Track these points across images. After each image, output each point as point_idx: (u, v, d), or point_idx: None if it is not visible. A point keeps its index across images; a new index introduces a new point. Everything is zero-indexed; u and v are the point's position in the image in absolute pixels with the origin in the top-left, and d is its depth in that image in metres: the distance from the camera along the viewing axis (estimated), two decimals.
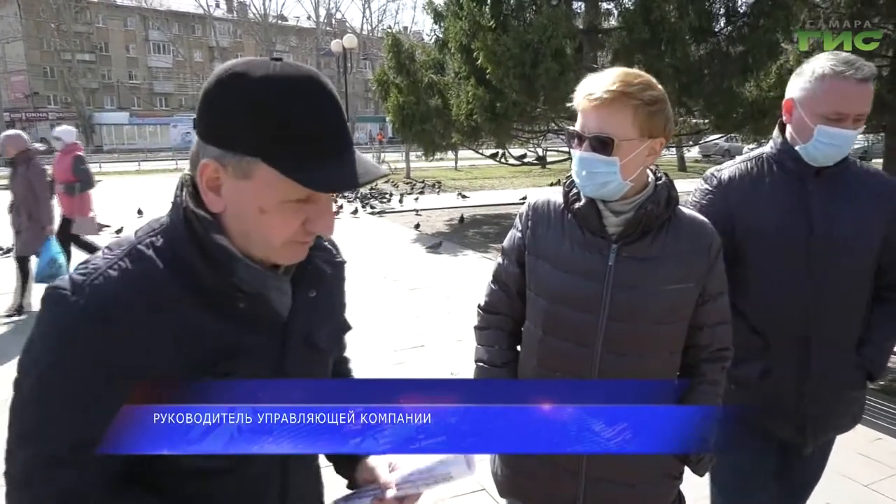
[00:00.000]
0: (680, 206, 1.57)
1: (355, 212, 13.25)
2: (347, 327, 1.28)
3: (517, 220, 1.71)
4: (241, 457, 0.94)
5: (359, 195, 16.69)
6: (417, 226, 12.26)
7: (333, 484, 1.26)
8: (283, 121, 0.86)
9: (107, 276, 0.90)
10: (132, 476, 0.96)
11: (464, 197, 16.97)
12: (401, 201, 16.19)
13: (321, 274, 1.09)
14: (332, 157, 0.89)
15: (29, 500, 0.91)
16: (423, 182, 21.58)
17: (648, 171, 1.55)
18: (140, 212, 14.01)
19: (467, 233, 12.01)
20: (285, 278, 1.02)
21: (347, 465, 1.20)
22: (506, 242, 1.73)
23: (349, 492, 1.16)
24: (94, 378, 0.88)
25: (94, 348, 0.87)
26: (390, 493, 1.07)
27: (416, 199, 16.77)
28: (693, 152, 32.65)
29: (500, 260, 1.75)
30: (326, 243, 1.16)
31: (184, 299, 0.92)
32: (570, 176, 1.57)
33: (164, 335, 0.90)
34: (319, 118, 0.89)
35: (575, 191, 1.55)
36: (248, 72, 0.88)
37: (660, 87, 1.46)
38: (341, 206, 13.86)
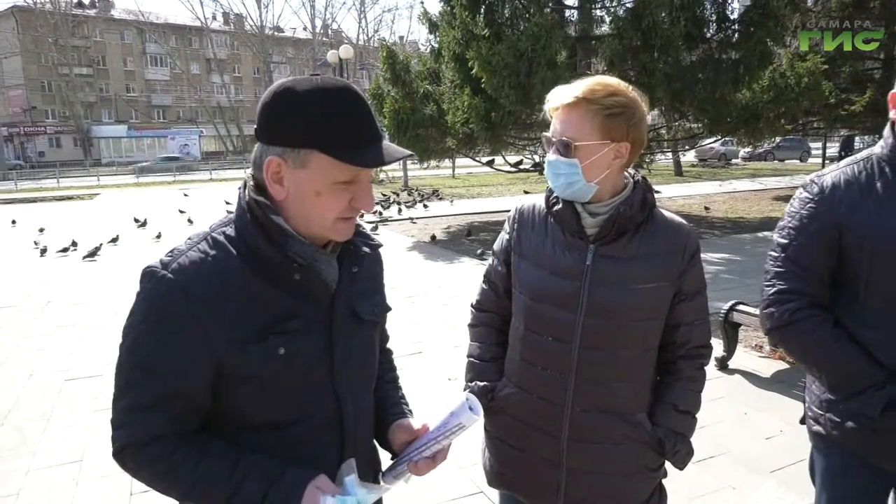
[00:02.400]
0: (657, 208, 1.63)
1: (375, 228, 13.20)
2: (388, 307, 1.45)
3: (506, 223, 1.79)
4: (303, 410, 1.19)
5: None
6: (433, 237, 12.09)
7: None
8: (328, 119, 1.08)
9: (189, 256, 1.13)
10: (204, 427, 1.19)
11: (426, 207, 17.36)
12: (399, 211, 16.27)
13: (360, 253, 1.30)
14: (368, 144, 1.12)
15: (123, 439, 1.14)
16: (418, 190, 21.72)
17: (626, 174, 1.62)
18: (138, 221, 14.20)
19: (464, 240, 12.07)
20: (332, 255, 1.23)
21: (382, 434, 1.40)
22: (495, 244, 1.82)
23: (391, 463, 1.34)
24: (177, 340, 1.09)
25: (178, 315, 1.09)
26: (422, 454, 1.26)
27: (426, 206, 17.20)
28: (689, 157, 32.82)
29: (490, 261, 1.83)
30: (362, 230, 1.36)
31: (250, 274, 1.13)
32: None
33: (234, 303, 1.11)
34: (356, 116, 1.11)
35: (555, 195, 1.62)
36: (296, 85, 1.11)
37: (630, 94, 1.53)
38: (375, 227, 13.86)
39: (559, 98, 1.54)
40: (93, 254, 10.80)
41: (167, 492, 1.17)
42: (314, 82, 1.11)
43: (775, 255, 1.72)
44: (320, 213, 1.14)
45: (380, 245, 1.41)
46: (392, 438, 1.36)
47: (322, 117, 1.08)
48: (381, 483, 1.21)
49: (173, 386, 1.11)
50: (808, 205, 1.66)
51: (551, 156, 1.56)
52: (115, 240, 12.19)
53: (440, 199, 19.34)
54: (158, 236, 12.60)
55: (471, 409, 1.22)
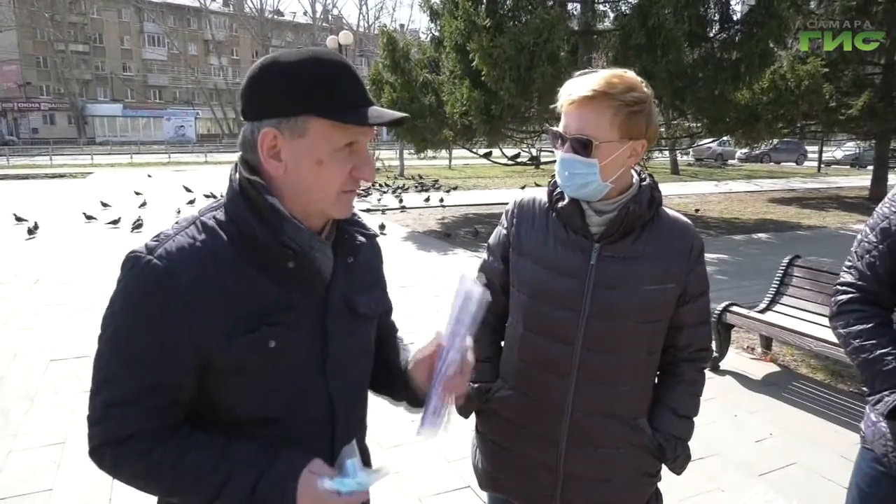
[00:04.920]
0: (663, 208, 1.58)
1: (382, 227, 12.79)
2: (389, 304, 1.43)
3: (503, 217, 1.72)
4: (293, 406, 1.14)
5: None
6: (448, 234, 11.63)
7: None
8: (322, 83, 1.05)
9: (176, 241, 1.06)
10: (191, 421, 1.13)
11: (427, 199, 16.64)
12: (400, 200, 16.13)
13: (356, 242, 1.25)
14: (362, 106, 1.09)
15: (102, 434, 1.08)
16: (414, 178, 21.59)
17: (633, 171, 1.56)
18: (104, 203, 14.14)
19: (458, 231, 12.01)
20: (327, 244, 1.17)
21: (402, 385, 1.36)
22: (491, 239, 1.75)
23: (422, 409, 1.26)
24: (161, 329, 1.03)
25: (163, 302, 1.03)
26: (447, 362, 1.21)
27: (434, 199, 16.79)
28: (687, 156, 32.81)
29: (485, 256, 1.77)
30: (358, 219, 1.31)
31: (241, 261, 1.08)
32: (555, 175, 1.58)
33: (223, 292, 1.05)
34: (349, 79, 1.09)
35: (559, 190, 1.56)
36: (282, 56, 1.08)
37: (645, 88, 1.45)
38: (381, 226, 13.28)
39: (575, 91, 1.43)
40: (139, 225, 11.27)
41: (149, 488, 1.11)
42: (301, 51, 1.08)
43: (851, 249, 1.74)
44: (323, 184, 1.09)
45: (376, 234, 1.36)
46: (415, 378, 1.30)
47: (315, 82, 1.05)
48: (381, 468, 1.15)
49: (155, 378, 1.05)
50: (886, 205, 1.67)
51: (565, 154, 1.47)
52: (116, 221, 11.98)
53: (448, 190, 19.08)
54: (178, 212, 12.52)
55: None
